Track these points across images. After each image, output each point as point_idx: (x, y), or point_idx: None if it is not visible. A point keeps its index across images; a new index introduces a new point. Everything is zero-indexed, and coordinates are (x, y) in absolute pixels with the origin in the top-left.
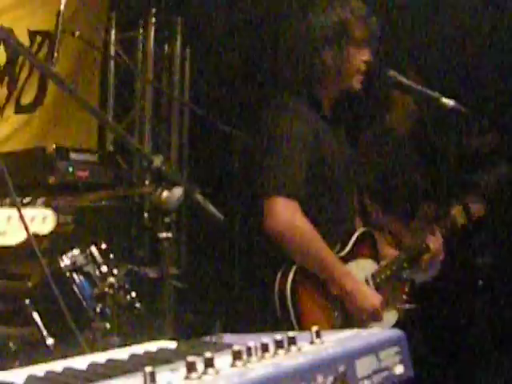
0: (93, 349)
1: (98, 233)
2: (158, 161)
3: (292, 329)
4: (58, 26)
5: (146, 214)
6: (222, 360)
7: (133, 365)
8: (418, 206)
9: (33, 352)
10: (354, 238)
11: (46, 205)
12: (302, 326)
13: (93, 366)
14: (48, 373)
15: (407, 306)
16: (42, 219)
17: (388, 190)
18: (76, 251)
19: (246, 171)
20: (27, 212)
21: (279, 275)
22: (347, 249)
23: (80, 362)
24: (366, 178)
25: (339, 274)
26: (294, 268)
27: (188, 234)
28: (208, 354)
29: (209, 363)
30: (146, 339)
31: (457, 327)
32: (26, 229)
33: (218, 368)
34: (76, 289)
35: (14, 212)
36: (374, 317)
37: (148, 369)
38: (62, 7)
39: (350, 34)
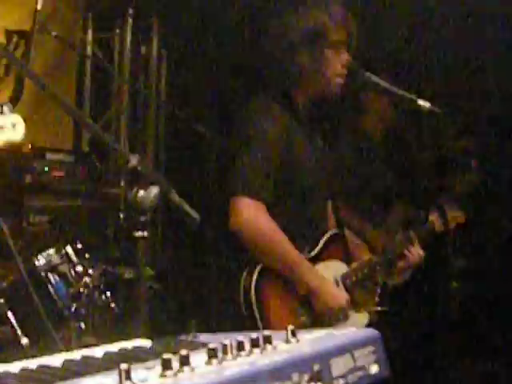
0: (68, 348)
1: (73, 232)
2: (134, 160)
3: (257, 328)
4: (34, 25)
5: (121, 215)
6: (198, 358)
7: (108, 362)
8: (390, 209)
9: (7, 351)
10: (323, 240)
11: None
12: (267, 326)
13: (67, 364)
14: (22, 370)
15: (379, 308)
16: (11, 126)
17: (359, 193)
18: (51, 251)
19: (220, 172)
20: None
21: (244, 274)
22: (316, 250)
23: (55, 360)
24: (339, 181)
25: (304, 271)
26: (259, 267)
27: (164, 234)
28: (183, 352)
29: (184, 361)
30: (121, 339)
31: (429, 329)
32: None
33: (193, 366)
34: (51, 288)
35: None
36: (340, 316)
37: (123, 366)
38: (38, 6)
39: (327, 37)
